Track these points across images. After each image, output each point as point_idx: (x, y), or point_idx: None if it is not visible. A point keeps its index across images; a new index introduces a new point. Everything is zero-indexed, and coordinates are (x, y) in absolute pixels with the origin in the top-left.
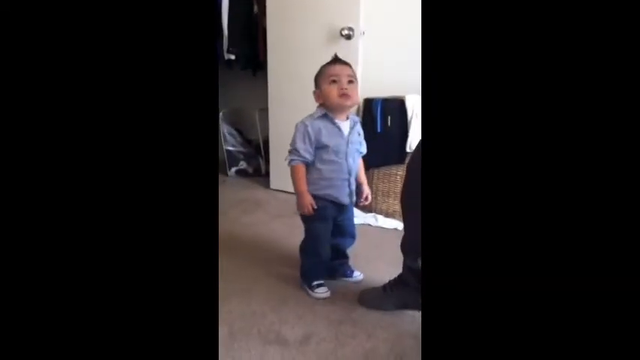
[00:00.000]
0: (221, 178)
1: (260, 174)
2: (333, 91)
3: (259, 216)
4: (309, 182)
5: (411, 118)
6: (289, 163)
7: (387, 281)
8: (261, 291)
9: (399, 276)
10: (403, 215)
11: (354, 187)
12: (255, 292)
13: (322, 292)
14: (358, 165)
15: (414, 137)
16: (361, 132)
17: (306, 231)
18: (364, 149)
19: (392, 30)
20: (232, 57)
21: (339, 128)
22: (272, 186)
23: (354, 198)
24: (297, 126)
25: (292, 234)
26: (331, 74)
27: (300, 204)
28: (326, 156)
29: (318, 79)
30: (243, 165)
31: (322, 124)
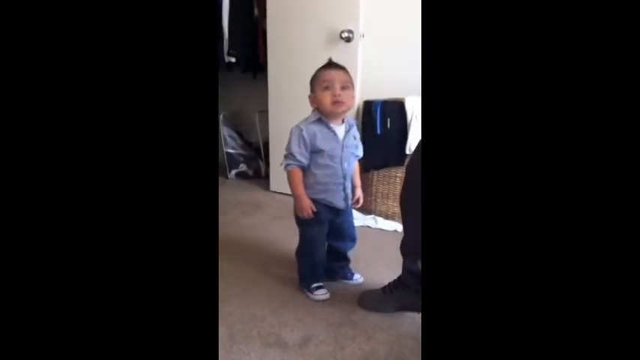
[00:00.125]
0: (221, 180)
1: (260, 176)
2: (326, 98)
3: (259, 218)
4: (304, 186)
5: (411, 120)
6: (285, 167)
7: (387, 283)
8: (260, 293)
9: (399, 278)
10: (402, 217)
11: (349, 191)
12: (255, 294)
13: (321, 294)
14: (354, 168)
15: (414, 139)
16: (357, 135)
17: (301, 235)
18: (360, 152)
19: (392, 32)
20: (232, 59)
21: (334, 132)
22: (272, 188)
23: (350, 201)
24: (292, 130)
25: (292, 236)
26: (324, 80)
27: (298, 207)
28: (321, 160)
29: (313, 83)
30: (243, 167)
31: (317, 129)
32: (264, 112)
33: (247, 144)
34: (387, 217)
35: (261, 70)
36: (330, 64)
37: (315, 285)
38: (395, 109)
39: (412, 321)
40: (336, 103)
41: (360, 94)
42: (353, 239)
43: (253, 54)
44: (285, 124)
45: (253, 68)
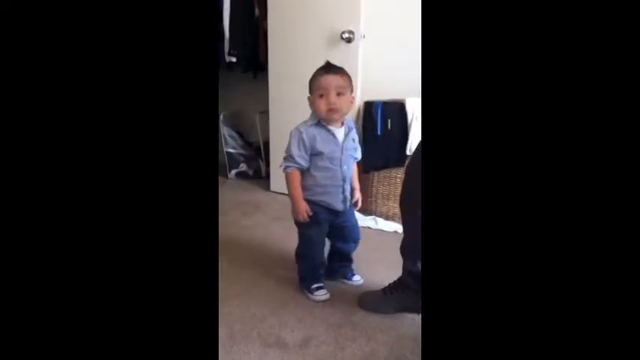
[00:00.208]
0: (221, 180)
1: (260, 176)
2: (321, 105)
3: (259, 218)
4: (303, 188)
5: (411, 121)
6: (284, 169)
7: (387, 284)
8: (260, 293)
9: (399, 279)
10: (402, 217)
11: (348, 193)
12: (255, 295)
13: (321, 294)
14: (353, 171)
15: (414, 140)
16: (356, 138)
17: (300, 236)
18: (359, 155)
19: (392, 33)
20: (233, 59)
21: (333, 135)
22: (272, 188)
23: (349, 204)
24: (291, 133)
25: (292, 236)
26: (319, 87)
27: (295, 210)
28: (320, 163)
29: (311, 86)
30: (243, 167)
31: (317, 131)
32: (264, 112)
33: (247, 144)
34: (387, 218)
35: (261, 70)
36: (327, 69)
37: (315, 286)
38: (395, 109)
39: (412, 322)
40: (330, 110)
41: (361, 95)
42: (355, 241)
43: (254, 54)
44: (285, 124)
45: (254, 68)
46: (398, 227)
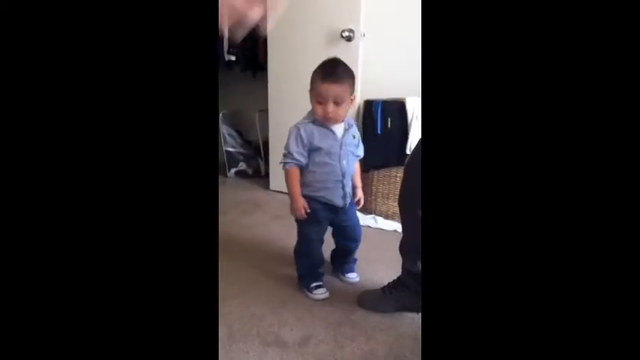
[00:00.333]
0: (221, 179)
1: (259, 175)
2: (318, 110)
3: (259, 217)
4: (303, 184)
5: (412, 120)
6: (283, 166)
7: (387, 283)
8: (260, 292)
9: (398, 278)
10: (401, 216)
11: (348, 189)
12: (255, 294)
13: (321, 293)
14: (354, 168)
15: (414, 139)
16: (357, 135)
17: (299, 233)
18: (361, 152)
19: (393, 32)
20: (233, 58)
21: (332, 131)
22: (271, 187)
23: (349, 200)
24: (290, 130)
25: (291, 235)
26: (318, 94)
27: (293, 207)
28: (319, 158)
29: (311, 84)
30: (242, 166)
31: (315, 127)
32: (264, 111)
33: (247, 143)
34: (387, 217)
35: (261, 69)
36: (328, 76)
37: (314, 284)
38: (395, 108)
39: (411, 321)
40: (326, 119)
41: (361, 94)
42: (356, 240)
43: (253, 53)
44: (284, 123)
45: (253, 67)
46: (397, 226)
